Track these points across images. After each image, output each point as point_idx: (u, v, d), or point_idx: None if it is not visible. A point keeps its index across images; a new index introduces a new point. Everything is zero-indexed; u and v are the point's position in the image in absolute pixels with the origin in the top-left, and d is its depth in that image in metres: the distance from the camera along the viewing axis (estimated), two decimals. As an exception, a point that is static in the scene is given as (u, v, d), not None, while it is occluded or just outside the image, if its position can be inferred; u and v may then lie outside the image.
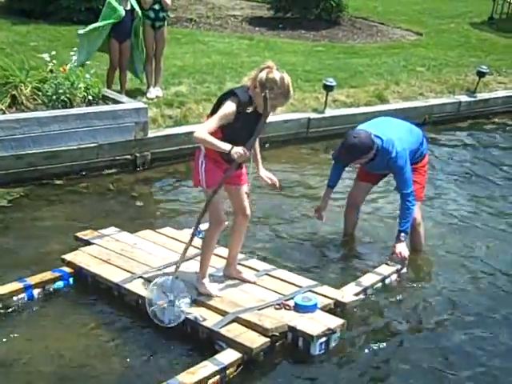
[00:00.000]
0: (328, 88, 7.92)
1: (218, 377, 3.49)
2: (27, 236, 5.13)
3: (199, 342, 3.86)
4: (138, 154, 6.67)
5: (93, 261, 4.49)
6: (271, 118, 7.96)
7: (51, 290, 4.29)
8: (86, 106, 6.51)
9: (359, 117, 8.20)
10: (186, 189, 6.34)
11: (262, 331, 3.76)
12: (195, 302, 4.01)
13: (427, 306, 4.54)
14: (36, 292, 4.22)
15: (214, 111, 3.87)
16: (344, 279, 4.68)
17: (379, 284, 4.59)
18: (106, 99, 6.77)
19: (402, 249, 4.73)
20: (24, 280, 4.22)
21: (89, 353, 3.78)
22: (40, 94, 6.45)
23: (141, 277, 4.26)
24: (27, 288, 4.16)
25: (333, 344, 3.86)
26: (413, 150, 4.85)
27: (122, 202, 6.01)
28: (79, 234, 4.87)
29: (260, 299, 4.10)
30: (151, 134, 6.80)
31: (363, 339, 4.07)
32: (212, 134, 3.78)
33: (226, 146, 3.74)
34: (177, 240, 4.87)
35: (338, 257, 5.19)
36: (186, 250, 3.95)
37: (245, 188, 4.12)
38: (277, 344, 3.82)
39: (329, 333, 3.82)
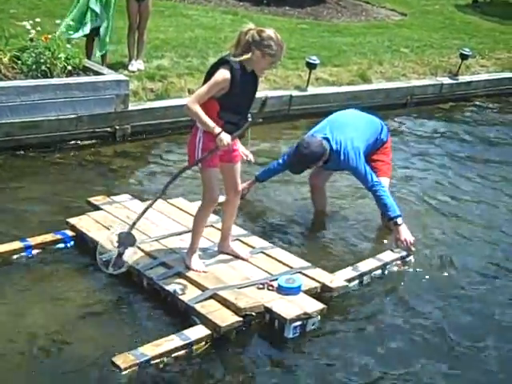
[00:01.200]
0: (311, 66, 7.89)
1: (183, 351, 3.49)
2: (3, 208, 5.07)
3: (178, 315, 3.86)
4: (117, 127, 6.60)
5: (95, 226, 4.49)
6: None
7: (51, 250, 4.37)
8: (67, 76, 6.41)
9: (341, 95, 8.23)
10: (165, 162, 6.32)
11: (236, 310, 3.75)
12: (180, 276, 4.01)
13: (420, 299, 4.34)
14: (35, 252, 4.27)
15: (205, 82, 3.80)
16: (345, 263, 4.53)
17: (379, 271, 4.44)
18: (86, 70, 6.67)
19: (405, 234, 4.62)
20: (25, 240, 4.28)
21: (68, 317, 3.78)
22: (19, 62, 6.34)
23: (136, 246, 4.21)
24: (27, 248, 4.24)
25: (310, 328, 3.80)
26: (370, 143, 4.92)
27: (101, 173, 5.96)
28: (91, 199, 4.89)
29: (245, 277, 4.06)
30: (132, 106, 6.73)
31: (344, 327, 3.97)
32: (208, 105, 3.73)
33: (215, 129, 3.71)
34: (185, 212, 4.84)
35: (344, 239, 5.06)
36: (146, 209, 4.09)
37: (239, 165, 4.09)
38: (253, 323, 3.80)
39: (305, 317, 3.76)
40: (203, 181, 3.99)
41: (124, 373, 3.26)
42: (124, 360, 3.29)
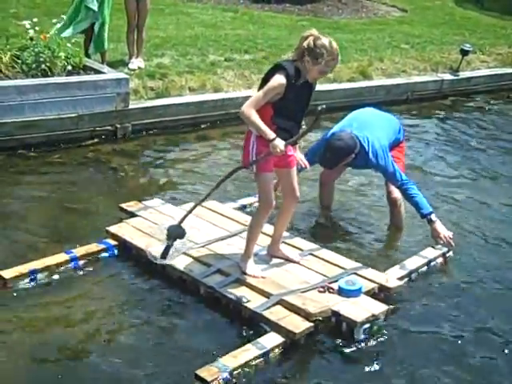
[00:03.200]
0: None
1: (260, 359, 3.45)
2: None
3: (242, 321, 3.81)
4: (118, 125, 6.60)
5: (136, 233, 4.43)
6: (253, 92, 7.97)
7: (96, 259, 4.32)
8: (67, 75, 6.42)
9: (342, 92, 8.23)
10: (166, 161, 6.32)
11: (306, 315, 3.71)
12: (238, 282, 3.97)
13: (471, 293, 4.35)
14: (81, 263, 4.22)
15: (261, 88, 3.78)
16: (387, 262, 4.54)
17: (424, 268, 4.45)
18: (87, 69, 6.68)
19: (443, 230, 4.64)
20: (70, 251, 4.23)
21: (130, 326, 3.76)
22: (19, 62, 6.34)
23: (185, 253, 4.20)
24: (73, 259, 4.18)
25: (375, 329, 3.78)
26: (391, 142, 4.89)
27: (102, 172, 5.96)
28: (124, 205, 4.83)
29: (304, 281, 4.02)
30: (132, 105, 6.74)
31: (404, 325, 3.95)
32: (263, 110, 3.71)
33: (269, 135, 3.67)
34: (221, 215, 4.80)
35: (378, 239, 5.03)
36: (195, 206, 4.11)
37: (295, 170, 4.05)
38: (319, 326, 3.75)
39: (372, 319, 3.75)
40: (258, 185, 3.94)
41: None
42: (208, 373, 3.25)
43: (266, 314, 3.71)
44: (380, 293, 4.07)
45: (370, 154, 4.64)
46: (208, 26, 10.41)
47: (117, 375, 3.34)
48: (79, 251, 4.26)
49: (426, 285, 4.40)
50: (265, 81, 3.77)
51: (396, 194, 4.90)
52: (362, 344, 3.71)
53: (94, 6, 6.88)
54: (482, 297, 4.33)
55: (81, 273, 4.18)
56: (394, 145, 4.98)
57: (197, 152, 6.56)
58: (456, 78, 9.60)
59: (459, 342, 3.84)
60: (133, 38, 7.62)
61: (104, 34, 7.14)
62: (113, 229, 4.48)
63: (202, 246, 4.31)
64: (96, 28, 7.05)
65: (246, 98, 7.33)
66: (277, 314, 3.71)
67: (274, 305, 3.78)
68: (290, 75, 3.68)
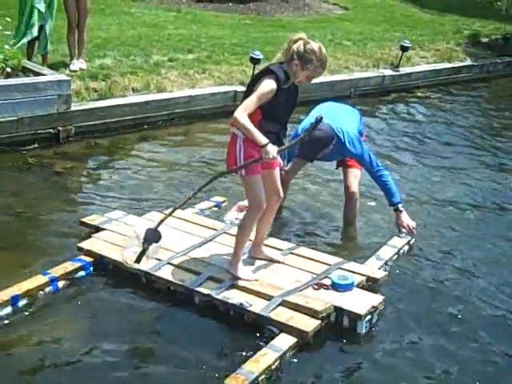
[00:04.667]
0: (255, 61, 7.91)
1: (278, 362, 3.43)
2: None
3: (244, 327, 3.78)
4: (60, 128, 6.48)
5: (112, 248, 4.27)
6: (198, 92, 7.96)
7: (74, 279, 4.11)
8: (5, 78, 6.27)
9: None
10: (111, 164, 6.25)
11: (313, 314, 3.70)
12: (234, 287, 3.93)
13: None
14: (61, 284, 4.02)
15: (249, 91, 3.75)
16: (362, 254, 4.63)
17: (395, 256, 4.57)
18: (26, 71, 6.54)
19: (407, 219, 4.80)
20: (48, 272, 4.01)
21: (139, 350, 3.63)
22: (-45, 64, 6.18)
23: (169, 263, 4.12)
24: (53, 281, 3.98)
25: (374, 320, 3.83)
26: (358, 133, 4.94)
27: (46, 177, 5.84)
28: (85, 220, 4.65)
29: (295, 280, 4.02)
30: (75, 107, 6.63)
31: (396, 314, 4.02)
32: (251, 114, 3.68)
33: (262, 140, 3.64)
34: (187, 221, 4.73)
35: (345, 233, 5.10)
36: (174, 210, 3.98)
37: (277, 170, 4.03)
38: (322, 324, 3.75)
39: (373, 310, 3.80)
40: (247, 188, 3.91)
41: None
42: (236, 381, 3.22)
43: (273, 316, 3.69)
44: (367, 284, 4.13)
45: (347, 144, 4.70)
46: (150, 25, 10.33)
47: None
48: (57, 271, 4.05)
49: (396, 273, 4.50)
50: (252, 84, 3.74)
51: (354, 188, 4.99)
52: (364, 337, 3.75)
53: (41, 6, 6.81)
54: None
55: (62, 295, 3.97)
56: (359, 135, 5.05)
57: (142, 154, 6.50)
58: (397, 73, 9.80)
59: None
60: (73, 39, 7.49)
61: (50, 34, 7.09)
62: (85, 245, 4.32)
63: (184, 254, 4.23)
64: (47, 28, 7.02)
65: (191, 97, 7.48)
66: (283, 315, 3.70)
67: (277, 306, 3.76)
68: (279, 79, 3.66)
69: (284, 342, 3.54)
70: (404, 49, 9.76)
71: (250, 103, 3.66)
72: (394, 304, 4.10)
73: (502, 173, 6.72)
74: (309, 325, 3.63)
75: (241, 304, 3.78)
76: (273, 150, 3.67)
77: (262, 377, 3.30)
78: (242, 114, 3.65)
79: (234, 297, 3.85)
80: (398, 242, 4.71)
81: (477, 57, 11.35)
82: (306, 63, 3.69)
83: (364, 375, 3.51)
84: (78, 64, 7.45)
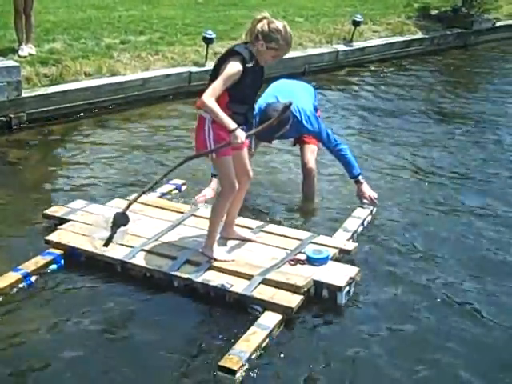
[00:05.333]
0: (208, 40, 7.88)
1: (267, 340, 3.45)
2: None
3: (226, 307, 3.76)
4: (12, 115, 6.37)
5: (82, 238, 4.16)
6: (152, 74, 7.87)
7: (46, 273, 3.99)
8: (-49, 66, 6.11)
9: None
10: (66, 150, 6.16)
11: (295, 289, 3.73)
12: (213, 269, 3.92)
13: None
14: (34, 279, 3.90)
15: (215, 73, 3.70)
16: (327, 227, 4.69)
17: (361, 227, 4.67)
18: (-28, 58, 6.39)
19: (368, 190, 4.91)
20: (19, 269, 3.88)
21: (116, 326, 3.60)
22: None
23: (142, 249, 4.08)
24: (25, 276, 3.85)
25: (351, 291, 3.90)
26: (314, 109, 4.98)
27: (-1, 167, 5.74)
28: (48, 212, 4.53)
29: (271, 257, 4.03)
30: (26, 93, 6.51)
31: (372, 283, 4.09)
32: (218, 96, 3.64)
33: (230, 125, 3.63)
34: (154, 206, 4.68)
35: (302, 209, 5.10)
36: (142, 193, 3.93)
37: (246, 151, 4.00)
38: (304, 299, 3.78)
39: (351, 281, 3.87)
40: (219, 170, 3.91)
41: (238, 375, 3.18)
42: (231, 362, 3.21)
43: (256, 294, 3.71)
44: (340, 256, 4.20)
45: (304, 122, 4.73)
46: (100, 7, 10.15)
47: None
48: (28, 266, 3.93)
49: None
50: (218, 66, 3.71)
51: (311, 164, 5.04)
52: (346, 308, 3.81)
53: None
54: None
55: (36, 290, 3.84)
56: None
57: (98, 139, 6.42)
58: (350, 48, 9.87)
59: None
60: (21, 24, 7.30)
61: None
62: (54, 238, 4.20)
63: (156, 240, 4.17)
64: None
65: (145, 80, 7.40)
66: (266, 293, 3.72)
67: (258, 285, 3.77)
68: (245, 60, 3.64)
69: (270, 319, 3.57)
70: (356, 23, 9.82)
71: (217, 86, 3.63)
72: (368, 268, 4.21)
73: (457, 142, 6.85)
74: (292, 300, 3.67)
75: (222, 285, 3.79)
76: (241, 134, 3.66)
77: (254, 355, 3.32)
78: (209, 98, 3.63)
79: (213, 279, 3.84)
80: (362, 213, 4.80)
81: (427, 29, 11.50)
82: (270, 42, 3.67)
83: (349, 344, 3.55)
84: (26, 49, 7.28)
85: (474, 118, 7.75)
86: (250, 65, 3.65)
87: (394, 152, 6.44)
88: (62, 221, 4.44)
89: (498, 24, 12.69)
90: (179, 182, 5.25)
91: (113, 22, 9.21)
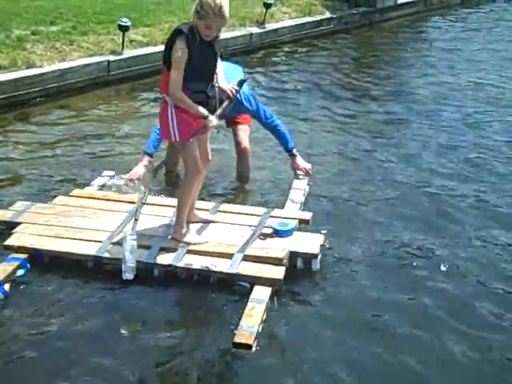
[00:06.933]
0: (124, 28, 7.82)
1: (265, 313, 3.58)
2: None
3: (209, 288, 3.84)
4: None
5: (44, 239, 4.10)
6: (69, 64, 7.73)
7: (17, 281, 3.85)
8: None
9: (158, 55, 8.21)
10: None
11: (277, 262, 3.88)
12: (190, 253, 3.98)
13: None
14: (7, 288, 3.75)
15: (167, 56, 3.74)
16: (268, 202, 4.87)
17: (304, 197, 4.89)
18: None
19: (303, 162, 5.10)
20: None
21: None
22: None
23: (112, 243, 4.06)
24: None
25: (321, 257, 4.07)
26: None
27: None
28: None
29: (241, 235, 4.15)
30: None
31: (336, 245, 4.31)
32: None
33: (203, 112, 3.79)
34: (102, 199, 4.66)
35: (241, 187, 5.27)
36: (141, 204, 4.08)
37: (207, 135, 4.07)
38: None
39: (322, 249, 4.07)
40: (185, 154, 3.97)
41: (253, 349, 3.28)
42: (244, 337, 3.33)
43: (242, 271, 3.83)
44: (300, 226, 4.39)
45: (244, 102, 4.86)
46: (4, -2, 9.81)
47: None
48: None
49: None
50: (168, 49, 3.75)
51: (245, 143, 5.20)
52: (320, 272, 4.02)
53: None
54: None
55: (11, 299, 3.70)
56: None
57: (20, 134, 6.28)
58: (263, 30, 10.04)
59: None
60: None
61: None
62: (14, 242, 4.08)
63: (121, 232, 4.13)
64: None
65: (63, 71, 7.28)
66: (251, 269, 3.85)
67: (240, 262, 3.89)
68: (188, 37, 3.69)
69: (262, 293, 3.70)
70: (267, 6, 9.99)
71: (175, 76, 3.72)
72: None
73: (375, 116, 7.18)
74: (278, 272, 3.83)
75: (206, 267, 3.86)
76: (214, 118, 3.84)
77: (260, 329, 3.44)
78: (176, 90, 3.72)
79: (195, 262, 3.91)
80: (301, 184, 5.04)
81: (334, 9, 11.83)
82: (198, 13, 3.73)
83: (339, 303, 3.78)
84: None
85: (384, 93, 8.14)
86: (194, 41, 3.71)
87: (312, 128, 6.69)
88: (11, 224, 4.30)
89: (399, 1, 13.21)
90: (110, 173, 5.21)
91: (20, 13, 8.95)
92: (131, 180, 4.84)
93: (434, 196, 5.20)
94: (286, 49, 10.13)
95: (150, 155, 4.94)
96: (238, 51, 9.47)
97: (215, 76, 3.93)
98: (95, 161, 5.68)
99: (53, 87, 7.19)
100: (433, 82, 8.64)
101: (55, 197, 4.75)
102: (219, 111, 3.93)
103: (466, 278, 4.06)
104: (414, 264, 4.18)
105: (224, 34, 9.41)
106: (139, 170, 4.87)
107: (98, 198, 4.70)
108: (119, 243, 4.02)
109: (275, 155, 5.70)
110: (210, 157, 4.19)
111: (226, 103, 3.95)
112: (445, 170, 5.72)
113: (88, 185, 5.02)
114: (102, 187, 5.00)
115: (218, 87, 3.93)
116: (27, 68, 7.11)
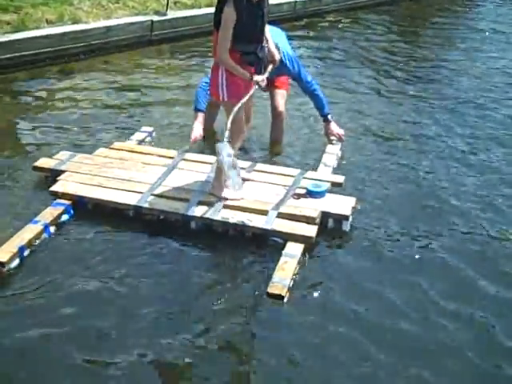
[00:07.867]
0: (169, -11, 7.93)
1: (298, 267, 3.73)
2: None
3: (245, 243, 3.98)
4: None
5: (87, 188, 4.27)
6: (115, 22, 7.89)
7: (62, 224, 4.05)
8: None
9: (201, 18, 8.35)
10: (29, 98, 6.17)
11: (310, 221, 4.02)
12: (227, 208, 4.11)
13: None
14: (52, 229, 3.97)
15: (217, 22, 3.85)
16: (301, 164, 4.94)
17: (337, 161, 5.05)
18: None
19: (336, 128, 5.27)
20: (37, 221, 3.93)
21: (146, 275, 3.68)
22: None
23: (152, 194, 4.22)
24: (46, 227, 3.92)
25: (352, 219, 4.20)
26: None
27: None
28: (38, 164, 4.55)
29: (275, 193, 4.30)
30: (-12, 41, 6.51)
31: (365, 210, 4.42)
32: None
33: (245, 74, 3.90)
34: (142, 153, 4.81)
35: (273, 151, 5.33)
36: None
37: (252, 95, 4.11)
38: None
39: (353, 211, 4.21)
40: (230, 114, 3.94)
41: (285, 300, 3.48)
42: (277, 288, 3.51)
43: (277, 227, 3.98)
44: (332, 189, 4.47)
45: (288, 63, 4.97)
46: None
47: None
48: (45, 217, 3.99)
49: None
50: (218, 12, 3.83)
51: (281, 108, 5.30)
52: (350, 235, 4.15)
53: None
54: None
55: (54, 240, 3.91)
56: None
57: (64, 87, 6.48)
58: (311, -1, 10.00)
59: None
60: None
61: None
62: (59, 188, 4.27)
63: (161, 185, 4.32)
64: None
65: (108, 28, 7.45)
66: (285, 226, 3.99)
67: (275, 219, 4.03)
68: (236, 1, 3.75)
69: (295, 248, 3.85)
70: (314, -26, 9.91)
71: (223, 40, 3.82)
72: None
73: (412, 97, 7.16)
74: (311, 230, 3.97)
75: (242, 222, 4.01)
76: (261, 77, 3.95)
77: (291, 282, 3.60)
78: (223, 55, 3.85)
79: (231, 216, 4.05)
80: (334, 149, 5.17)
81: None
82: None
83: (365, 259, 3.93)
84: (-14, -4, 7.23)
85: (428, 66, 8.08)
86: (242, 3, 3.75)
87: (349, 98, 6.72)
88: (56, 172, 4.48)
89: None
90: (149, 128, 5.40)
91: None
92: (195, 140, 4.94)
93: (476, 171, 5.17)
94: (330, 18, 10.11)
95: (203, 111, 5.05)
96: (281, 18, 9.48)
97: (264, 37, 3.99)
98: (135, 113, 5.91)
99: (97, 43, 7.38)
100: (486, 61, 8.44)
101: (96, 148, 4.94)
102: (266, 73, 4.03)
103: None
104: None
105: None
106: (198, 128, 4.97)
107: (138, 152, 4.86)
108: (159, 195, 4.22)
109: (310, 121, 5.83)
110: (252, 119, 4.30)
111: (270, 67, 4.06)
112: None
113: (128, 138, 5.21)
114: (141, 142, 5.16)
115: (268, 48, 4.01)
116: (73, 23, 7.31)
